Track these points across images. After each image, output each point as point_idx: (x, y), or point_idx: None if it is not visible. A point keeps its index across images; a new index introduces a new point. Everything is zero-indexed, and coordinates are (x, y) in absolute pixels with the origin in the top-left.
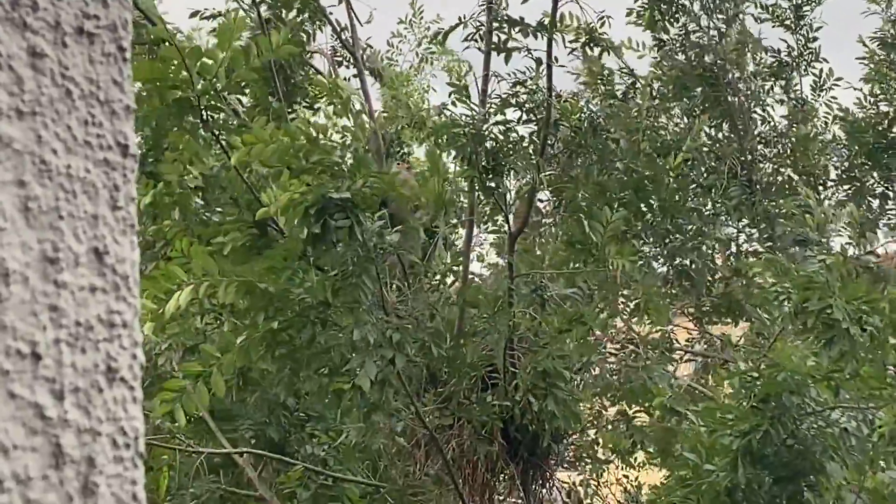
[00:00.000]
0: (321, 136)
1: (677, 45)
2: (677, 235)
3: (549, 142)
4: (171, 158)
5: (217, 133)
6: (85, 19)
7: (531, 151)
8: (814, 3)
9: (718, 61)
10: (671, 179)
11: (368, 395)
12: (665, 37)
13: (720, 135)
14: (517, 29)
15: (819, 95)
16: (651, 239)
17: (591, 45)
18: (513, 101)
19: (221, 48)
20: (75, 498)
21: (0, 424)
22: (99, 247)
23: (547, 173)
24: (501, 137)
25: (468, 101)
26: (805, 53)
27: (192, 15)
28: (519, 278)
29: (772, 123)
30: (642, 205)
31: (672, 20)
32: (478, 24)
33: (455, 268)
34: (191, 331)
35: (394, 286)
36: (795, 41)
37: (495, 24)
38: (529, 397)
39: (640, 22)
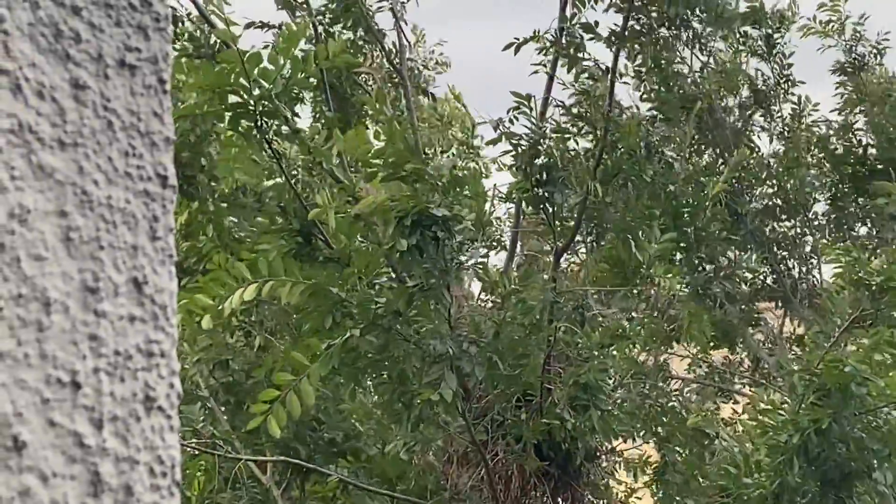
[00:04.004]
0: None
1: (659, 76)
2: (709, 265)
3: (603, 159)
4: (225, 160)
5: (269, 140)
6: (127, 52)
7: (586, 168)
8: (783, 30)
9: (700, 94)
10: (708, 209)
11: (436, 407)
12: (645, 67)
13: (703, 164)
14: (589, 36)
15: (800, 122)
16: (684, 267)
17: (658, 67)
18: (574, 112)
19: (284, 55)
20: None
21: (40, 452)
22: (138, 277)
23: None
24: (556, 152)
25: (528, 113)
26: (782, 82)
27: (248, 26)
28: (561, 295)
29: (759, 153)
30: (678, 233)
31: (655, 52)
32: (550, 39)
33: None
34: (221, 345)
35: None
36: (771, 69)
37: (566, 32)
38: (564, 414)
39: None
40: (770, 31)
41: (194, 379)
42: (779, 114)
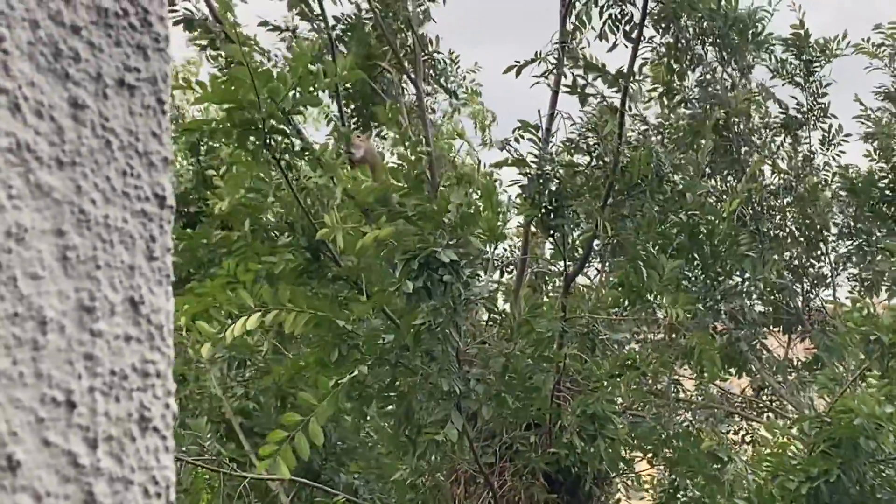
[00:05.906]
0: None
1: (691, 94)
2: (727, 279)
3: (613, 187)
4: (233, 178)
5: (278, 157)
6: (126, 72)
7: (595, 196)
8: (823, 61)
9: (730, 114)
10: (724, 225)
11: (441, 446)
12: (679, 85)
13: (726, 186)
14: (594, 76)
15: (827, 150)
16: (701, 282)
17: (669, 96)
18: (583, 146)
19: (294, 73)
20: None
21: (34, 472)
22: (135, 297)
23: (608, 218)
24: (567, 179)
25: (536, 139)
26: (815, 109)
27: (262, 24)
28: (570, 320)
29: (781, 176)
30: (694, 250)
31: (688, 70)
32: (553, 61)
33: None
34: (245, 346)
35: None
36: (805, 98)
37: (572, 65)
38: (574, 439)
39: (653, 73)
40: (810, 58)
41: (207, 375)
42: (806, 140)
